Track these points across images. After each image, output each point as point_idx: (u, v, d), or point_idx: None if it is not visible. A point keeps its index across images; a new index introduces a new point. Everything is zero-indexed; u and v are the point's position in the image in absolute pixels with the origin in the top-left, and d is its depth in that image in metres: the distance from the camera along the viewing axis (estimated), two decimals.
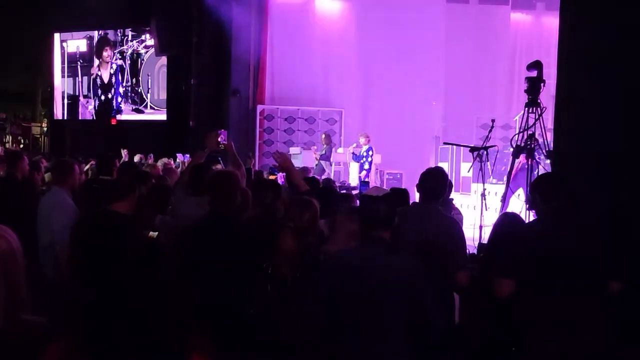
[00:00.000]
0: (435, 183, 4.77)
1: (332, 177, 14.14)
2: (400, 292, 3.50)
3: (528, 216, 7.35)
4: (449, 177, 8.10)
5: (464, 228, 7.20)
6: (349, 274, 3.58)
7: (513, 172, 9.26)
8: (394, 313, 3.52)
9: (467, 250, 5.00)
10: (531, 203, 4.64)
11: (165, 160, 13.61)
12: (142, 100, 22.60)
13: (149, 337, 4.19)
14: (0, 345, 2.34)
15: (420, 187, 4.78)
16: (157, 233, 5.27)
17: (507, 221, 4.86)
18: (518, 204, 9.92)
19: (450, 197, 7.24)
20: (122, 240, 4.43)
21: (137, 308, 4.25)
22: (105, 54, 23.22)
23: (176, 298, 4.17)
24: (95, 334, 4.12)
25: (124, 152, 14.42)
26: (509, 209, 10.33)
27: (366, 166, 14.86)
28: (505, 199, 8.24)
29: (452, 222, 4.77)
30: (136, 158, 14.90)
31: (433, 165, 15.35)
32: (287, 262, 4.26)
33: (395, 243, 3.80)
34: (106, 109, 23.34)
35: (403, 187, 6.57)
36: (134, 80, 22.78)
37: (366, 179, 14.77)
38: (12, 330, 2.36)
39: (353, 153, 15.46)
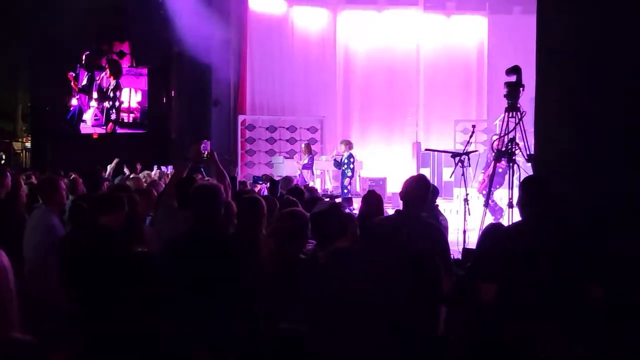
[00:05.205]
0: (417, 191, 4.77)
1: (314, 186, 14.15)
2: (378, 291, 3.54)
3: (512, 218, 7.43)
4: (432, 183, 8.15)
5: (448, 233, 7.26)
6: (325, 286, 3.60)
7: (485, 176, 9.44)
8: (376, 315, 3.54)
9: (452, 256, 5.03)
10: (518, 205, 4.68)
11: (147, 172, 13.55)
12: (123, 112, 22.51)
13: (142, 352, 4.19)
14: None
15: (402, 195, 4.80)
16: (145, 249, 5.25)
17: (493, 231, 4.89)
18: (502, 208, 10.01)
19: (436, 203, 7.28)
20: (111, 255, 4.42)
21: (129, 324, 4.25)
22: (85, 66, 23.07)
23: (168, 313, 4.17)
24: (86, 351, 4.13)
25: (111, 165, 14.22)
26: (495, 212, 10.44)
27: (348, 173, 14.90)
28: (487, 204, 8.28)
29: (435, 228, 4.80)
30: (142, 174, 14.46)
31: (415, 171, 15.51)
32: (269, 270, 4.23)
33: (376, 252, 3.83)
34: (87, 122, 23.20)
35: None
36: (115, 92, 22.67)
37: (348, 187, 14.83)
38: (3, 350, 2.35)
39: (334, 159, 15.51)
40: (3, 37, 25.80)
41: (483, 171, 11.02)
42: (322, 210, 3.77)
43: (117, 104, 22.63)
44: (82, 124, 23.35)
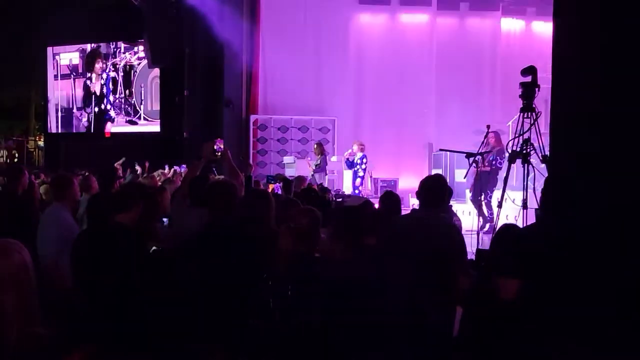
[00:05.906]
0: (436, 190, 4.76)
1: (326, 186, 14.15)
2: (397, 294, 3.53)
3: (526, 218, 7.41)
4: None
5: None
6: (345, 286, 3.58)
7: (470, 175, 9.46)
8: (394, 318, 3.53)
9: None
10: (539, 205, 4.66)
11: (161, 171, 13.60)
12: (136, 112, 22.63)
13: (157, 350, 4.21)
14: (14, 359, 2.35)
15: (420, 195, 4.78)
16: (161, 247, 5.27)
17: (507, 232, 4.86)
18: (513, 208, 9.98)
19: (450, 203, 7.27)
20: (127, 252, 4.44)
21: (144, 321, 4.27)
22: (97, 66, 23.25)
23: (183, 308, 4.18)
24: (101, 349, 4.14)
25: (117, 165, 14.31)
26: (502, 212, 10.43)
27: (360, 173, 14.92)
28: (501, 205, 8.26)
29: (454, 228, 4.79)
30: (156, 173, 14.35)
31: (427, 172, 15.50)
32: (283, 263, 4.22)
33: (395, 251, 3.81)
34: (100, 121, 23.36)
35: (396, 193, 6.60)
36: (127, 91, 22.81)
37: (359, 187, 14.86)
38: (25, 344, 2.37)
39: (347, 159, 15.51)
40: (17, 36, 26.03)
41: None
42: (356, 205, 3.74)
43: (130, 102, 22.73)
44: (95, 123, 23.49)
